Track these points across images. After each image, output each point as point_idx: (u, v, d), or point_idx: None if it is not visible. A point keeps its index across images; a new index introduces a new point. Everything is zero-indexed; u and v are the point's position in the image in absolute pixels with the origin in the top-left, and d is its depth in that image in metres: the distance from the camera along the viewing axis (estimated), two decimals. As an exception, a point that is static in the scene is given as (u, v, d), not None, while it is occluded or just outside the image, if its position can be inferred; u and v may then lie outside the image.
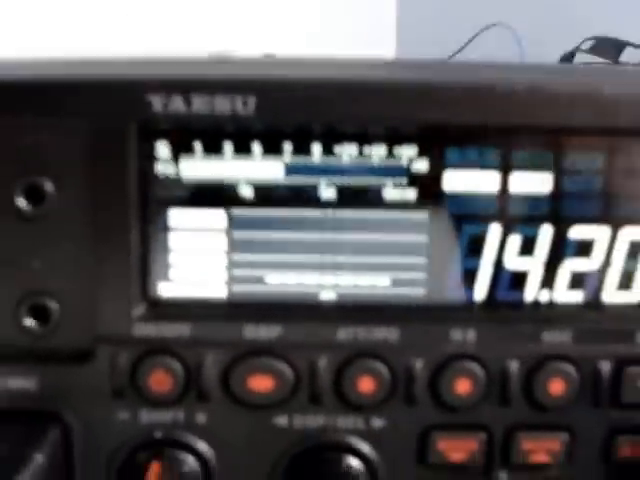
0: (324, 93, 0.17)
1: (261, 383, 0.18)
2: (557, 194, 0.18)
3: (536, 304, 0.19)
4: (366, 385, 0.18)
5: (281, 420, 0.19)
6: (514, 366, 0.18)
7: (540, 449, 0.19)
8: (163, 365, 0.18)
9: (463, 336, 0.18)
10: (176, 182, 0.18)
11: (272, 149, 0.18)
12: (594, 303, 0.19)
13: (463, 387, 0.18)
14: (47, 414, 0.18)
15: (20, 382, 0.19)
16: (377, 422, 0.19)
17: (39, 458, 0.18)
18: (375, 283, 0.19)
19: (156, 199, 0.18)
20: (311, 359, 0.18)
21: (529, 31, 0.64)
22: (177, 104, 0.17)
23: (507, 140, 0.18)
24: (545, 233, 0.18)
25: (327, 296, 0.19)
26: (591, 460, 0.19)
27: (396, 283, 0.19)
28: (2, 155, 0.17)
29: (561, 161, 0.18)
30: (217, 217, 0.18)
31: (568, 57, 0.52)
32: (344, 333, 0.18)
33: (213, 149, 0.18)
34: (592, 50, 0.51)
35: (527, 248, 0.18)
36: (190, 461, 0.18)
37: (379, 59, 0.23)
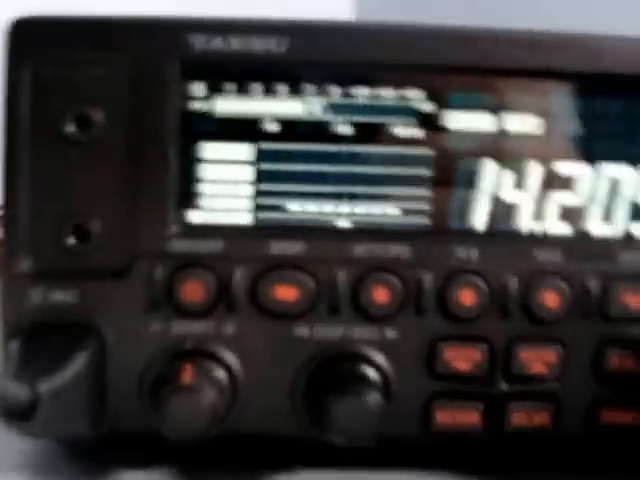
0: (348, 37, 0.21)
1: (285, 293, 0.21)
2: (546, 134, 0.22)
3: (529, 231, 0.23)
4: (380, 296, 0.22)
5: (303, 331, 0.22)
6: (512, 280, 0.22)
7: (537, 360, 0.22)
8: (196, 276, 0.21)
9: (467, 254, 0.22)
10: (209, 118, 0.22)
11: (296, 90, 0.22)
12: (580, 233, 0.23)
13: (467, 298, 0.22)
14: (85, 326, 0.22)
15: (61, 296, 0.22)
16: (390, 333, 0.22)
17: (79, 358, 0.21)
18: (386, 212, 0.22)
19: (191, 133, 0.22)
20: (331, 272, 0.22)
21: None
22: (217, 43, 0.21)
23: (501, 85, 0.22)
24: (535, 169, 0.22)
25: (343, 224, 0.22)
26: (584, 371, 0.23)
27: (405, 212, 0.22)
28: (57, 85, 0.21)
29: (549, 104, 0.22)
30: (245, 150, 0.22)
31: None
32: (360, 249, 0.22)
33: (244, 89, 0.22)
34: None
35: (519, 183, 0.22)
36: (218, 370, 0.22)
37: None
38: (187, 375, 0.21)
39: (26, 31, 0.22)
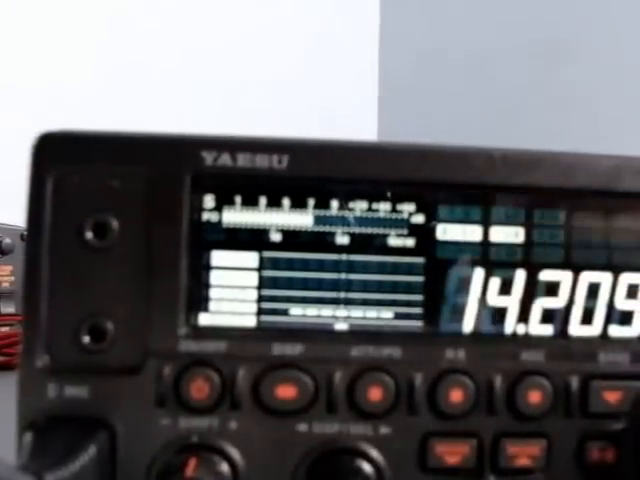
0: (342, 156, 0.23)
1: (286, 392, 0.23)
2: (528, 244, 0.24)
3: (514, 333, 0.24)
4: (375, 394, 0.23)
5: (302, 427, 0.23)
6: (498, 379, 0.24)
7: (523, 454, 0.24)
8: (202, 375, 0.23)
9: (455, 355, 0.24)
10: (218, 228, 0.24)
11: (297, 203, 0.24)
12: (562, 334, 0.25)
13: (456, 396, 0.23)
14: (97, 420, 0.23)
15: (75, 391, 0.23)
16: (383, 429, 0.24)
17: (88, 451, 0.22)
18: (380, 316, 0.24)
19: (201, 242, 0.24)
20: (328, 372, 0.23)
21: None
22: (225, 159, 0.23)
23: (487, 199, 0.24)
24: (519, 276, 0.24)
25: (340, 327, 0.24)
26: (567, 464, 0.24)
27: (398, 316, 0.24)
28: (77, 195, 0.23)
29: (531, 217, 0.24)
30: (250, 258, 0.24)
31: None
32: (356, 351, 0.23)
33: (250, 201, 0.24)
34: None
35: (505, 289, 0.24)
36: (222, 463, 0.23)
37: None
38: (190, 468, 0.23)
39: (50, 144, 0.24)
